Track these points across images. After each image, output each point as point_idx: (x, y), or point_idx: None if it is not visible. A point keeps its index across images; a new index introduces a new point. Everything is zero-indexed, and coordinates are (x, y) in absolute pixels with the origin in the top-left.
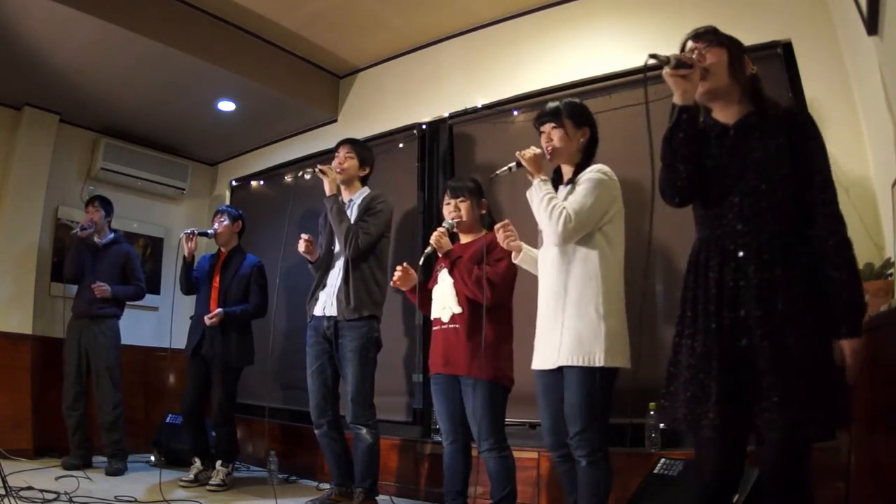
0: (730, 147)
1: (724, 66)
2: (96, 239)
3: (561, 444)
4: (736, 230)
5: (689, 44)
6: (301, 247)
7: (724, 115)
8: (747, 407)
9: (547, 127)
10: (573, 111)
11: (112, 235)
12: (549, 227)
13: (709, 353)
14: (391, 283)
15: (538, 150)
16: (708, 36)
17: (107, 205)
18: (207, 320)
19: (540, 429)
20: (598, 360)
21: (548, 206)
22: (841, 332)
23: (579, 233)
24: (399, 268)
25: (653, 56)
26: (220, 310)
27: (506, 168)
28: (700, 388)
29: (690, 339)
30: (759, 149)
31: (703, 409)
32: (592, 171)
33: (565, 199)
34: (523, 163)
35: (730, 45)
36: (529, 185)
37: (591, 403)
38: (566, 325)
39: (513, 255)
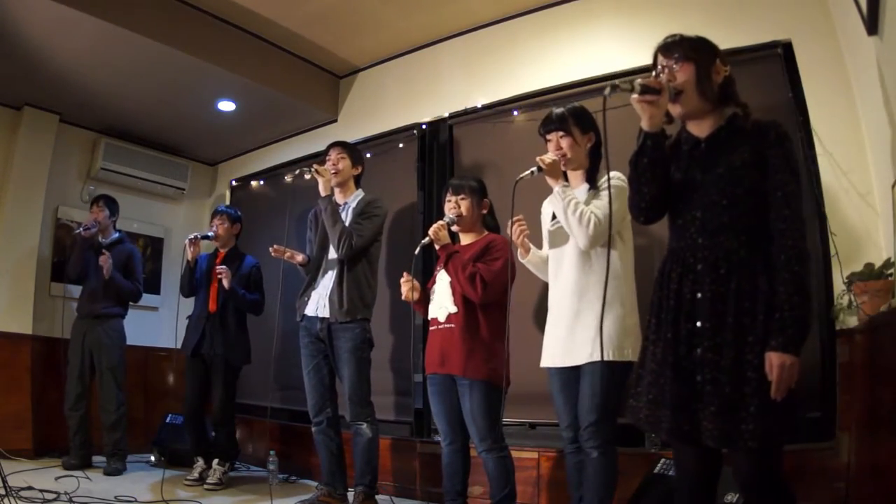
0: (698, 161)
1: (692, 86)
2: (100, 238)
3: (577, 437)
4: (697, 244)
5: (660, 58)
6: (276, 254)
7: (698, 128)
8: (697, 414)
9: (554, 136)
10: (578, 117)
11: (116, 235)
12: (579, 231)
13: (665, 361)
14: (403, 298)
15: (556, 157)
16: (676, 49)
17: (112, 204)
18: (220, 272)
19: (541, 429)
20: (629, 355)
21: (575, 211)
22: (771, 343)
23: (605, 236)
24: (403, 279)
25: (613, 86)
26: (224, 267)
27: (528, 172)
28: (659, 393)
29: (653, 346)
30: (724, 164)
31: (662, 413)
32: (615, 179)
33: (587, 203)
34: (543, 168)
35: (698, 57)
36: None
37: (609, 396)
38: (593, 322)
39: (519, 252)
